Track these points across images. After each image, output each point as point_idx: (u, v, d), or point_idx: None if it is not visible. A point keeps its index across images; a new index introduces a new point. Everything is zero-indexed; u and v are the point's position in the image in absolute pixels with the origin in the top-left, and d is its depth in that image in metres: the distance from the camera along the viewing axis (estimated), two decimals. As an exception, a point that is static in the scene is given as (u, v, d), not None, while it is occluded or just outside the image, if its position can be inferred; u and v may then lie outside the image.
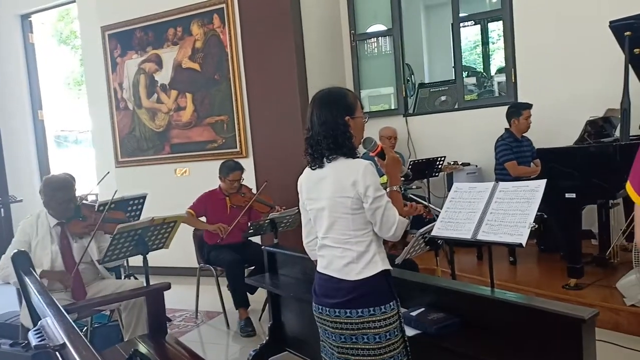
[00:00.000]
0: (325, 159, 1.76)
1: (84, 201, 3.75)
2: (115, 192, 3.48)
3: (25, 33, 6.77)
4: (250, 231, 3.70)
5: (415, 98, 5.82)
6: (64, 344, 1.35)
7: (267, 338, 3.11)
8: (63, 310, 1.60)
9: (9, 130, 6.82)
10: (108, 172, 3.97)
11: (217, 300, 3.85)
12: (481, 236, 2.18)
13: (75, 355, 1.20)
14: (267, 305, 3.39)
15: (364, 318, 1.71)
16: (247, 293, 3.78)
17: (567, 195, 3.39)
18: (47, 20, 10.30)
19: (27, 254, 2.25)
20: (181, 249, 3.87)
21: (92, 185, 4.82)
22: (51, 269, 2.86)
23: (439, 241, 2.88)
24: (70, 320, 1.49)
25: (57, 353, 1.67)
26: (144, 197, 3.91)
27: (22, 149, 6.78)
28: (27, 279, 2.13)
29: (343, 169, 1.73)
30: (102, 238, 3.06)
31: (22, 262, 2.21)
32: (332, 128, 1.73)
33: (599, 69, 4.42)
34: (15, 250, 2.23)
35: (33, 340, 1.57)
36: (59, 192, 2.90)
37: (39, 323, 1.67)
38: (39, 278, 2.10)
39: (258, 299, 3.88)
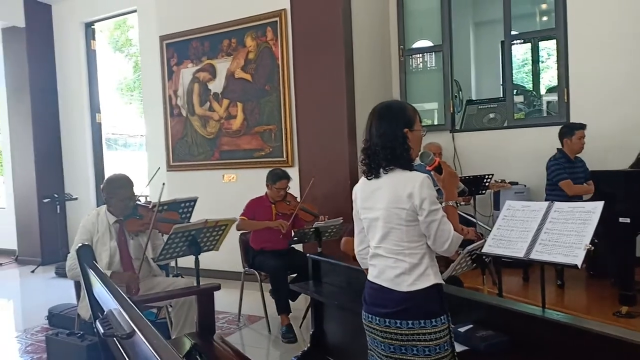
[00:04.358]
0: (381, 170, 1.78)
1: (137, 202, 3.91)
2: (164, 185, 3.38)
3: (88, 40, 7.15)
4: (294, 239, 3.77)
5: (462, 114, 5.78)
6: (132, 332, 1.41)
7: (308, 345, 3.14)
8: (129, 301, 1.67)
9: (68, 131, 7.20)
10: (159, 168, 4.08)
11: (259, 305, 3.93)
12: (534, 255, 2.15)
13: (147, 344, 1.24)
14: (309, 312, 3.43)
15: (414, 330, 1.71)
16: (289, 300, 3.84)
17: (620, 219, 3.29)
18: (104, 28, 10.88)
19: (90, 247, 2.36)
20: (227, 253, 3.96)
21: (142, 187, 5.03)
22: (109, 264, 3.00)
23: (486, 259, 2.84)
24: (138, 310, 1.56)
25: (117, 343, 1.74)
26: (194, 201, 4.04)
27: (80, 150, 7.13)
28: (90, 271, 2.25)
29: (399, 181, 1.75)
30: (156, 237, 3.18)
31: (86, 256, 2.33)
32: (390, 140, 1.76)
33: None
34: (80, 244, 2.36)
35: (101, 328, 1.65)
36: (120, 190, 3.05)
37: (105, 312, 1.75)
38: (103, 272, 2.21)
39: (299, 306, 3.93)
